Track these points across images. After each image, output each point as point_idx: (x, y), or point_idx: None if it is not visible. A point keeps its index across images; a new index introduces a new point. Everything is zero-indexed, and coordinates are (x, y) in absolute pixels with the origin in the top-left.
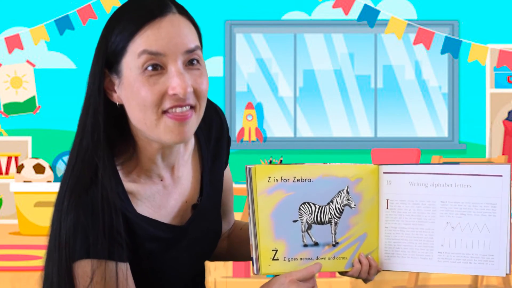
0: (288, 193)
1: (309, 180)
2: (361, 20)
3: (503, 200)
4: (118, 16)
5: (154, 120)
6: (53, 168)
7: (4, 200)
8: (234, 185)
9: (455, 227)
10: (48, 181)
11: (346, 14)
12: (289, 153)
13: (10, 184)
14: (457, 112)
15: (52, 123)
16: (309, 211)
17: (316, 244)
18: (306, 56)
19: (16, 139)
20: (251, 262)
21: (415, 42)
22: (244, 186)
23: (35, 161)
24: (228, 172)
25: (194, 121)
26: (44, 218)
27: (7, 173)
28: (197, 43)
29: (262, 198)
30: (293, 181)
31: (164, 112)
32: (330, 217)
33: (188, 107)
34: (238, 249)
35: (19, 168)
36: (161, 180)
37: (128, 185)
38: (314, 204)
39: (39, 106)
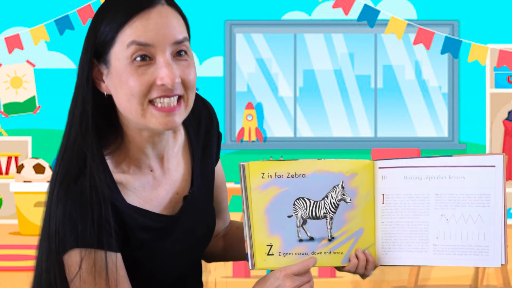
0: (282, 189)
1: (303, 176)
2: (361, 20)
3: (497, 190)
4: (107, 7)
5: (141, 110)
6: (53, 168)
7: (4, 200)
8: (234, 185)
9: (450, 219)
10: (48, 181)
11: (346, 14)
12: (289, 153)
13: (10, 184)
14: (457, 112)
15: (52, 123)
16: (304, 206)
17: (311, 239)
18: (306, 56)
19: (16, 139)
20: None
21: (415, 42)
22: None
23: (35, 161)
24: (220, 169)
25: (182, 110)
26: None
27: (7, 173)
28: (185, 34)
29: (256, 194)
30: (287, 177)
31: (151, 102)
32: (325, 212)
33: (176, 98)
34: (235, 248)
35: (19, 168)
36: (151, 171)
37: (118, 175)
38: (308, 199)
39: (39, 106)
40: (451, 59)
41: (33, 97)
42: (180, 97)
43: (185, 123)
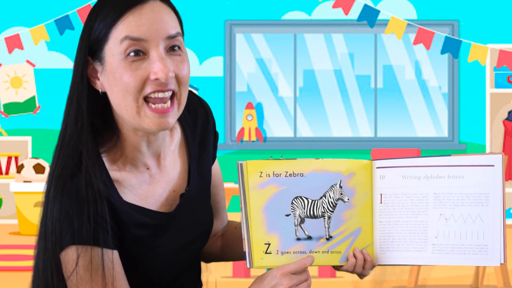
0: (280, 188)
1: (301, 175)
2: (361, 20)
3: (496, 189)
4: (100, 4)
5: (135, 107)
6: None
7: (4, 200)
8: (234, 186)
9: (449, 219)
10: None
11: (346, 14)
12: (289, 153)
13: (10, 184)
14: (457, 112)
15: (52, 123)
16: (302, 205)
17: (309, 237)
18: (306, 56)
19: (16, 139)
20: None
21: (415, 42)
22: None
23: (35, 161)
24: (217, 169)
25: (175, 111)
26: None
27: (7, 173)
28: (178, 29)
29: (254, 192)
30: (285, 176)
31: (146, 100)
32: (323, 211)
33: (169, 93)
34: (233, 248)
35: (19, 168)
36: (147, 169)
37: (114, 173)
38: (306, 198)
39: (39, 106)
40: (451, 59)
41: (33, 97)
42: (173, 95)
43: (182, 121)
